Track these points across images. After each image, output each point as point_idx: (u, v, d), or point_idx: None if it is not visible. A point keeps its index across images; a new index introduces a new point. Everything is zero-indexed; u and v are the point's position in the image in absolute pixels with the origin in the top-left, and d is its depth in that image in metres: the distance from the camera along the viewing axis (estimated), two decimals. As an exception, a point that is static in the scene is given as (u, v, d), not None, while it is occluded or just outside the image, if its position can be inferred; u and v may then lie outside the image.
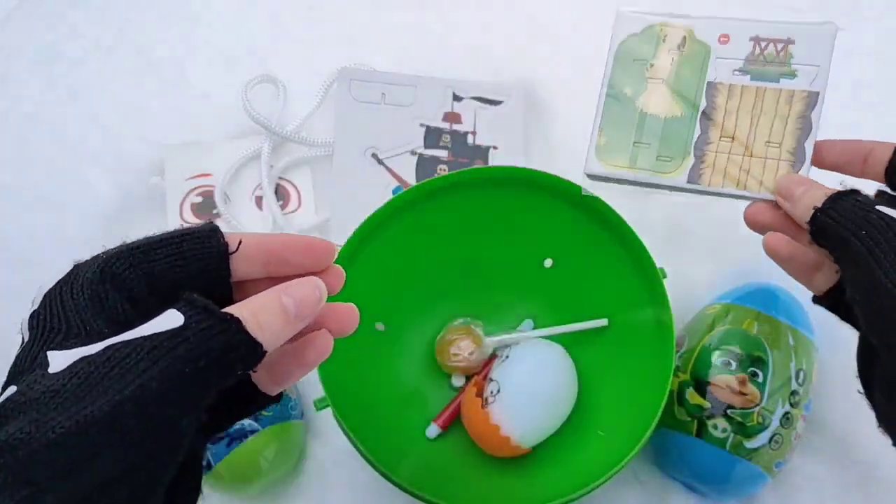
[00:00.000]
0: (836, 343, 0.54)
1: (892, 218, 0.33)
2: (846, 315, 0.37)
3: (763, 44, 0.47)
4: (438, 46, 0.68)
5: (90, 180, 0.63)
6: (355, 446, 0.46)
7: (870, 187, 0.38)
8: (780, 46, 0.47)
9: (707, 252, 0.61)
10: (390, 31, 0.69)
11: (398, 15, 0.69)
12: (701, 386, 0.51)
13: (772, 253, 0.40)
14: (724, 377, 0.51)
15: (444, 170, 0.63)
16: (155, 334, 0.24)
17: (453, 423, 0.54)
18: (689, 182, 0.46)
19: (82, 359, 0.24)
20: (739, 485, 0.51)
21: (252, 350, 0.25)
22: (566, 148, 0.65)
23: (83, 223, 0.62)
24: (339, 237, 0.59)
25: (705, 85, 0.47)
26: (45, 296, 0.27)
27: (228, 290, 0.29)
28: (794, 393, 0.51)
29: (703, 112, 0.47)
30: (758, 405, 0.50)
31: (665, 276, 0.50)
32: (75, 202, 0.62)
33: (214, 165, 0.63)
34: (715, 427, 0.50)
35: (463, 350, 0.55)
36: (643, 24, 0.49)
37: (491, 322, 0.56)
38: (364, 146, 0.63)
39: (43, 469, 0.22)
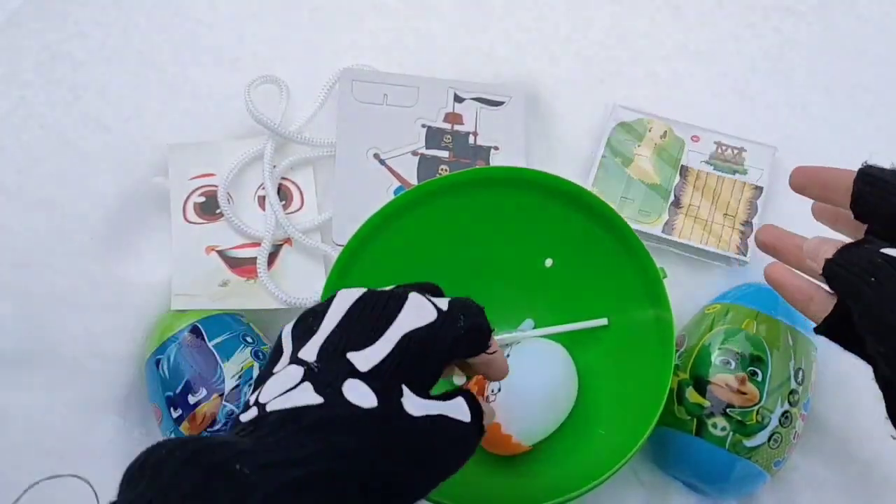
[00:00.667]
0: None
1: (893, 258, 0.33)
2: (847, 344, 0.38)
3: (723, 147, 0.63)
4: (440, 48, 0.68)
5: (93, 180, 0.63)
6: (357, 444, 0.46)
7: None
8: (735, 151, 0.63)
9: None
10: (392, 32, 0.69)
11: (400, 16, 0.70)
12: (701, 385, 0.52)
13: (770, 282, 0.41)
14: (723, 376, 0.51)
15: (446, 170, 0.63)
16: (461, 422, 0.37)
17: (454, 421, 0.54)
18: (663, 232, 0.60)
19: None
20: (739, 483, 0.51)
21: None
22: (566, 148, 0.65)
23: (86, 223, 0.62)
24: (341, 237, 0.59)
25: (679, 167, 0.62)
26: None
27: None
28: (793, 392, 0.51)
29: (677, 185, 0.62)
30: (757, 404, 0.50)
31: (665, 276, 0.51)
32: (78, 202, 0.62)
33: (217, 165, 0.64)
34: (714, 426, 0.50)
35: (464, 349, 0.55)
36: (634, 116, 0.64)
37: (491, 321, 0.56)
38: (366, 146, 0.63)
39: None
